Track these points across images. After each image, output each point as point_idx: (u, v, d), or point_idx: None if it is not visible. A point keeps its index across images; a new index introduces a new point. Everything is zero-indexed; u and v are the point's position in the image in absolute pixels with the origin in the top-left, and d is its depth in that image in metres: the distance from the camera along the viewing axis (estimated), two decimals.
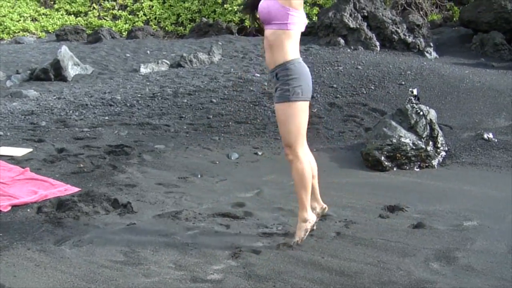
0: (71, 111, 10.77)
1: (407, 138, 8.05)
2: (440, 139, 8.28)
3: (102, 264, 4.51)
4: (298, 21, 4.76)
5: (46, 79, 14.44)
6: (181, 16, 23.83)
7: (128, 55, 17.66)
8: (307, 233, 4.98)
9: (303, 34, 5.02)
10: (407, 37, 16.72)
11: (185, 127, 9.81)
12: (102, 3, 25.48)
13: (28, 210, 5.73)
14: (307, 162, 4.89)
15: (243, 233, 5.24)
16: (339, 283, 4.22)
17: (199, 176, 7.33)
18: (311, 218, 5.02)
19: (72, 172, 7.18)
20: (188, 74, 14.35)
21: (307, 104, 4.83)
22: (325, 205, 5.31)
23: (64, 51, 14.86)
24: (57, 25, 23.80)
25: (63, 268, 4.42)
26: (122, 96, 12.04)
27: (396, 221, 5.66)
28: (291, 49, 4.75)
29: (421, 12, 19.90)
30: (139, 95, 12.08)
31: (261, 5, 4.82)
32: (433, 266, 4.54)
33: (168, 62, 16.05)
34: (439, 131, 8.36)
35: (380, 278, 4.30)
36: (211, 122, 10.10)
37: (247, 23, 21.57)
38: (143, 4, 24.69)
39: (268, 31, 4.79)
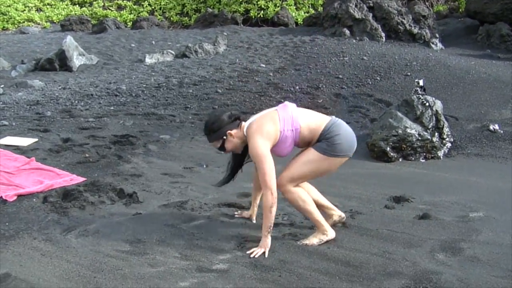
0: (76, 101, 10.77)
1: (413, 129, 8.04)
2: (446, 130, 8.27)
3: (108, 253, 4.51)
4: (294, 122, 4.73)
5: (51, 69, 14.47)
6: (186, 6, 23.81)
7: (133, 45, 17.64)
8: (320, 244, 4.90)
9: (308, 25, 5.00)
10: (412, 28, 16.67)
11: (190, 117, 9.80)
12: None
13: (34, 199, 5.73)
14: (299, 190, 4.82)
15: (249, 223, 5.24)
16: (345, 273, 4.22)
17: (204, 166, 7.33)
18: (330, 232, 4.90)
19: (77, 162, 7.19)
20: (193, 65, 14.34)
21: (339, 159, 4.81)
22: (343, 214, 5.22)
23: (69, 41, 14.87)
24: (62, 15, 23.81)
25: (69, 257, 4.43)
26: (127, 86, 12.04)
27: (401, 212, 5.66)
28: (315, 126, 4.76)
29: (427, 3, 19.87)
30: (144, 85, 12.08)
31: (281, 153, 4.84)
32: (439, 257, 4.53)
33: (173, 52, 16.04)
34: (445, 122, 8.35)
35: (386, 269, 4.29)
36: None
37: (252, 13, 21.54)
38: None
39: (300, 145, 4.87)
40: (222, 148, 4.83)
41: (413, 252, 4.60)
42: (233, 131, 4.75)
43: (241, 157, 5.03)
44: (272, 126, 4.67)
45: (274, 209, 4.54)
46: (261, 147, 4.58)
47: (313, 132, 4.75)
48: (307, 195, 4.86)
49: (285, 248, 4.63)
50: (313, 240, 4.82)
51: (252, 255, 4.50)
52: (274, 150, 4.72)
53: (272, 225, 4.58)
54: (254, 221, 5.24)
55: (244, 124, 4.80)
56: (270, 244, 4.56)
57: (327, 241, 4.81)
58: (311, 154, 4.75)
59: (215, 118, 4.81)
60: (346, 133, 4.80)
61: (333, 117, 4.91)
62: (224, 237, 4.86)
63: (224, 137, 4.75)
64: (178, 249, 4.62)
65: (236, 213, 5.44)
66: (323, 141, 4.72)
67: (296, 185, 4.80)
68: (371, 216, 5.47)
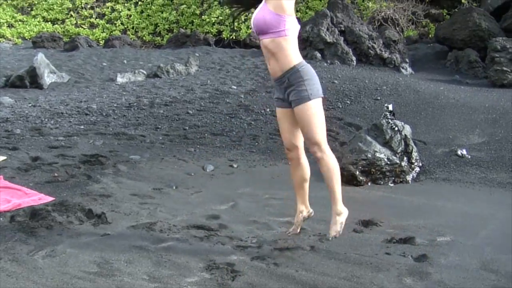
0: (46, 119, 10.70)
1: (382, 153, 8.11)
2: (415, 154, 8.35)
3: (75, 275, 4.47)
4: (293, 26, 4.91)
5: (21, 86, 14.35)
6: (159, 26, 23.85)
7: (104, 64, 17.60)
8: (342, 227, 5.09)
9: None
10: (383, 52, 16.87)
11: (160, 138, 9.79)
12: (79, 11, 25.40)
13: (1, 219, 5.67)
14: (333, 156, 5.09)
15: (218, 245, 5.23)
16: None
17: (174, 187, 7.31)
18: (344, 210, 5.19)
19: (46, 181, 7.13)
20: (165, 85, 14.34)
21: (321, 100, 5.01)
22: (311, 210, 5.37)
23: (41, 59, 14.79)
24: (33, 32, 23.68)
25: (36, 278, 4.38)
26: (98, 105, 11.99)
27: (370, 236, 5.69)
28: (294, 53, 4.92)
29: (397, 28, 20.11)
30: (115, 105, 12.04)
31: (255, 17, 4.96)
32: (406, 281, 4.57)
33: (145, 72, 16.03)
34: (414, 146, 8.43)
35: None
36: (187, 134, 10.09)
37: (224, 34, 21.63)
38: (121, 13, 24.66)
39: (266, 40, 4.94)
40: None
41: (381, 276, 4.63)
42: None
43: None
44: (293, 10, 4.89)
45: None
46: None
47: (289, 54, 4.90)
48: (338, 169, 5.22)
49: (253, 271, 4.63)
50: (337, 227, 5.19)
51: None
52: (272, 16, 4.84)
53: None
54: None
55: None
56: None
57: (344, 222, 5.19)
58: (301, 112, 4.93)
59: None
60: (316, 75, 5.03)
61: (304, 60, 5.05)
62: (192, 260, 4.84)
63: None
64: (146, 271, 4.59)
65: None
66: (297, 88, 4.88)
67: (326, 144, 5.04)
68: (339, 240, 5.48)
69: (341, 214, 5.17)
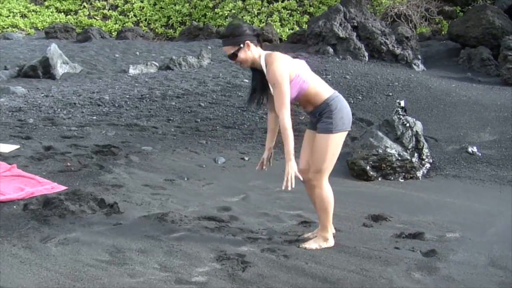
0: (59, 109, 10.77)
1: (393, 149, 8.12)
2: (425, 151, 8.36)
3: (88, 263, 4.52)
4: (307, 76, 4.92)
5: (34, 76, 14.45)
6: (171, 18, 23.88)
7: (117, 55, 17.66)
8: (317, 248, 5.06)
9: (292, 42, 5.10)
10: (395, 48, 16.87)
11: (172, 130, 9.83)
12: (92, 2, 25.48)
13: (14, 207, 5.73)
14: (329, 189, 5.07)
15: (228, 237, 5.27)
16: None
17: (185, 179, 7.35)
18: (331, 240, 5.13)
19: (59, 170, 7.18)
20: (177, 77, 14.38)
21: (346, 133, 5.07)
22: (334, 230, 5.34)
23: (54, 49, 14.86)
24: (46, 22, 23.79)
25: (48, 265, 4.43)
26: (110, 96, 12.05)
27: (379, 230, 5.72)
28: (321, 90, 4.97)
29: (410, 25, 20.09)
30: (127, 96, 12.09)
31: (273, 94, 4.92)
32: (415, 275, 4.59)
33: (157, 64, 16.08)
34: (425, 143, 8.44)
35: (363, 286, 4.35)
36: (198, 126, 10.13)
37: None
38: (133, 5, 24.72)
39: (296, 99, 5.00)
40: (233, 56, 4.86)
41: (390, 270, 4.65)
42: (251, 44, 4.84)
43: (261, 76, 5.01)
44: (292, 63, 4.86)
45: (291, 131, 4.70)
46: (283, 71, 4.70)
47: (318, 95, 4.94)
48: (331, 201, 5.08)
49: (263, 263, 4.67)
50: (313, 245, 5.07)
51: (284, 188, 4.70)
52: None
53: (293, 147, 4.69)
54: (271, 163, 5.42)
55: (262, 51, 4.92)
56: (296, 167, 4.68)
57: (325, 248, 5.05)
58: (321, 140, 4.96)
59: (239, 25, 4.88)
60: (346, 107, 5.06)
61: (336, 92, 5.09)
62: (203, 250, 4.89)
63: (241, 45, 4.81)
64: (158, 260, 4.64)
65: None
66: (325, 119, 4.93)
67: (326, 176, 5.04)
68: (349, 234, 5.53)
69: (326, 241, 5.11)
